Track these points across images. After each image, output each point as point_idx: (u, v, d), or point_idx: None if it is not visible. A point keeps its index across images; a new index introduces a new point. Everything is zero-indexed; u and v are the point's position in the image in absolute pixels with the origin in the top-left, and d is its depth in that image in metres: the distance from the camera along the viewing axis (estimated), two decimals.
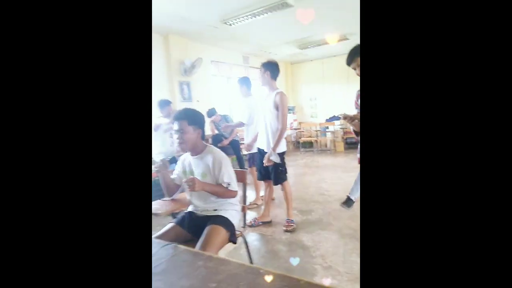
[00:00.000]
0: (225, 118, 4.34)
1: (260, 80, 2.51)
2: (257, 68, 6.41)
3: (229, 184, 1.51)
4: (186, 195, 1.70)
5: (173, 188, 1.66)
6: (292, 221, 2.53)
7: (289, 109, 5.29)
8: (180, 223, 1.56)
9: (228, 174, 1.52)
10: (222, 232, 1.45)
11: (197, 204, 1.60)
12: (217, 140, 4.33)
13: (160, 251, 0.92)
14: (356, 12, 4.03)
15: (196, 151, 1.55)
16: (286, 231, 2.46)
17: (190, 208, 1.64)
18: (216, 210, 1.57)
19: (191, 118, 1.50)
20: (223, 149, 4.28)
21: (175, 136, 1.52)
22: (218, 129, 4.31)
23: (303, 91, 7.47)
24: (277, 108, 2.38)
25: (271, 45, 5.58)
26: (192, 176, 1.44)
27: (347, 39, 5.29)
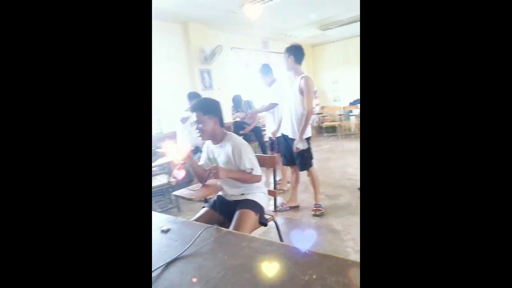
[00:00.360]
0: (248, 104, 4.34)
1: (285, 65, 2.45)
2: (277, 52, 6.38)
3: (252, 169, 1.52)
4: (216, 181, 1.74)
5: (202, 174, 1.70)
6: (320, 205, 2.52)
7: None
8: (213, 207, 1.62)
9: (249, 160, 1.52)
10: (252, 216, 1.48)
11: (226, 189, 1.64)
12: (238, 127, 4.36)
13: (204, 233, 0.95)
14: None
15: (216, 139, 1.56)
16: (315, 215, 2.46)
17: (220, 193, 1.69)
18: (243, 194, 1.60)
19: (205, 107, 1.50)
20: (245, 136, 4.35)
21: (195, 127, 1.55)
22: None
23: (325, 74, 7.27)
24: (302, 92, 2.32)
25: (291, 27, 5.43)
26: (215, 165, 1.46)
27: None
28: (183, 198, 1.63)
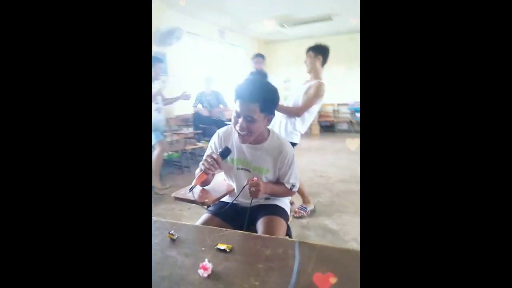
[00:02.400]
0: (216, 95, 3.91)
1: (307, 65, 2.10)
2: (234, 45, 6.09)
3: (293, 186, 1.19)
4: (226, 180, 1.36)
5: (210, 180, 1.29)
6: (305, 208, 2.29)
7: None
8: (218, 214, 1.23)
9: (295, 174, 1.19)
10: (283, 225, 1.17)
11: (242, 199, 1.24)
12: (200, 120, 3.91)
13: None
14: None
15: (257, 139, 1.14)
16: (295, 217, 2.22)
17: (227, 198, 1.30)
18: (268, 198, 1.27)
19: (267, 101, 1.04)
20: (205, 130, 3.92)
21: (236, 120, 1.06)
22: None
23: (277, 72, 7.27)
24: (308, 94, 2.00)
25: (250, 19, 5.20)
26: (256, 180, 1.03)
27: (331, 19, 5.18)
28: (193, 202, 1.22)
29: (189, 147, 3.73)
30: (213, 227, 0.83)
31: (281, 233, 1.14)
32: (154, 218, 0.87)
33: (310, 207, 2.31)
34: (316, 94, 1.98)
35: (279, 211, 1.22)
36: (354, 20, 5.23)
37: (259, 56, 3.01)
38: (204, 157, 1.10)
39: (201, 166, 1.09)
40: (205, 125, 3.92)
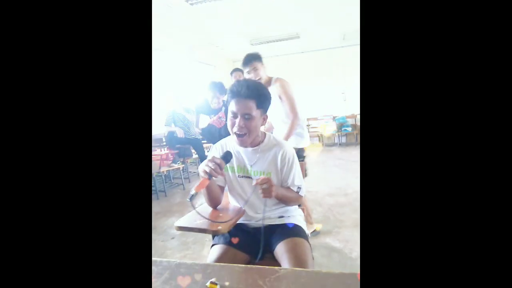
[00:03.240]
0: (187, 111, 3.67)
1: (260, 75, 1.99)
2: (202, 62, 5.96)
3: (299, 189, 1.11)
4: (232, 201, 1.19)
5: (219, 195, 1.13)
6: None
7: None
8: (231, 243, 1.06)
9: (299, 176, 1.12)
10: (309, 249, 1.03)
11: (252, 212, 1.13)
12: (174, 140, 3.63)
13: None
14: (311, 8, 4.07)
15: (254, 142, 1.08)
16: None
17: (241, 220, 1.14)
18: (282, 217, 1.14)
19: (262, 97, 1.02)
20: (181, 150, 3.65)
21: (233, 121, 1.01)
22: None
23: None
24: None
25: (220, 36, 5.15)
26: (267, 177, 0.97)
27: (298, 37, 5.34)
28: (202, 232, 1.01)
29: (164, 169, 3.42)
30: (261, 266, 0.65)
31: (310, 260, 0.99)
32: (154, 259, 0.68)
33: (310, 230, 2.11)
34: (285, 89, 1.96)
35: (300, 232, 1.08)
36: (320, 38, 5.47)
37: (238, 70, 2.92)
38: (205, 163, 0.95)
39: (201, 173, 0.95)
40: (181, 145, 3.66)
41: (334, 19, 4.57)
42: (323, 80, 6.49)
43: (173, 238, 2.30)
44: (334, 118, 6.60)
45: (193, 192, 0.91)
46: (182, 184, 3.75)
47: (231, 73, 3.01)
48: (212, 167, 0.93)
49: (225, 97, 2.89)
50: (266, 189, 0.93)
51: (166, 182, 3.67)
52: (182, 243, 2.19)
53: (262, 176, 0.98)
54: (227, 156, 1.02)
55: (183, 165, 3.85)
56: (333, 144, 6.69)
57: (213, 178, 0.95)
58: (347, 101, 6.51)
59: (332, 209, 2.66)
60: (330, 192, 3.12)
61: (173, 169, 3.62)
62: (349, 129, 6.40)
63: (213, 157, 0.97)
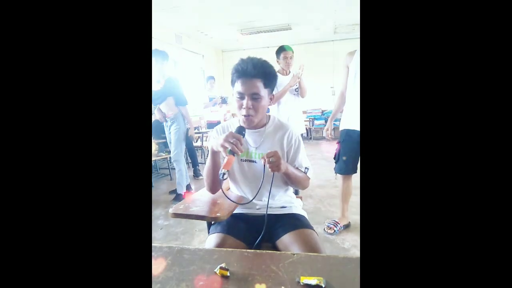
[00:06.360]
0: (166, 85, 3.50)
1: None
2: (190, 51, 5.78)
3: (307, 169, 1.07)
4: (233, 188, 1.14)
5: (218, 178, 1.07)
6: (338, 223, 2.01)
7: (223, 99, 4.83)
8: (230, 231, 1.00)
9: (306, 158, 1.09)
10: (318, 238, 0.99)
11: (253, 201, 1.07)
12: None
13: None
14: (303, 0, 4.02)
15: (259, 124, 1.04)
16: (329, 233, 1.97)
17: (238, 209, 1.09)
18: (284, 207, 1.10)
19: (268, 75, 0.97)
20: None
21: (240, 103, 0.97)
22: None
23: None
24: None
25: (209, 24, 5.00)
26: (275, 151, 0.90)
27: (290, 29, 5.28)
28: (199, 218, 0.95)
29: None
30: (271, 251, 0.60)
31: (324, 250, 0.95)
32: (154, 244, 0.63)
33: (345, 222, 2.04)
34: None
35: (307, 223, 1.04)
36: (312, 30, 5.43)
37: (285, 50, 2.58)
38: (222, 141, 0.89)
39: (222, 152, 0.91)
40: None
41: (326, 11, 4.53)
42: (312, 73, 6.47)
43: (161, 228, 2.23)
44: (322, 112, 6.62)
45: (223, 171, 0.86)
46: (169, 174, 3.65)
47: (278, 53, 2.59)
48: (234, 143, 0.87)
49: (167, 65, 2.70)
50: (274, 162, 0.88)
51: (152, 173, 3.55)
52: (170, 234, 2.12)
53: (271, 151, 0.91)
54: (241, 131, 0.96)
55: (170, 155, 3.74)
56: (321, 138, 6.72)
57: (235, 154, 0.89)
58: (335, 95, 6.54)
59: (322, 200, 2.66)
60: (320, 184, 3.12)
61: (160, 159, 3.50)
62: (337, 123, 6.45)
63: (231, 132, 0.92)
